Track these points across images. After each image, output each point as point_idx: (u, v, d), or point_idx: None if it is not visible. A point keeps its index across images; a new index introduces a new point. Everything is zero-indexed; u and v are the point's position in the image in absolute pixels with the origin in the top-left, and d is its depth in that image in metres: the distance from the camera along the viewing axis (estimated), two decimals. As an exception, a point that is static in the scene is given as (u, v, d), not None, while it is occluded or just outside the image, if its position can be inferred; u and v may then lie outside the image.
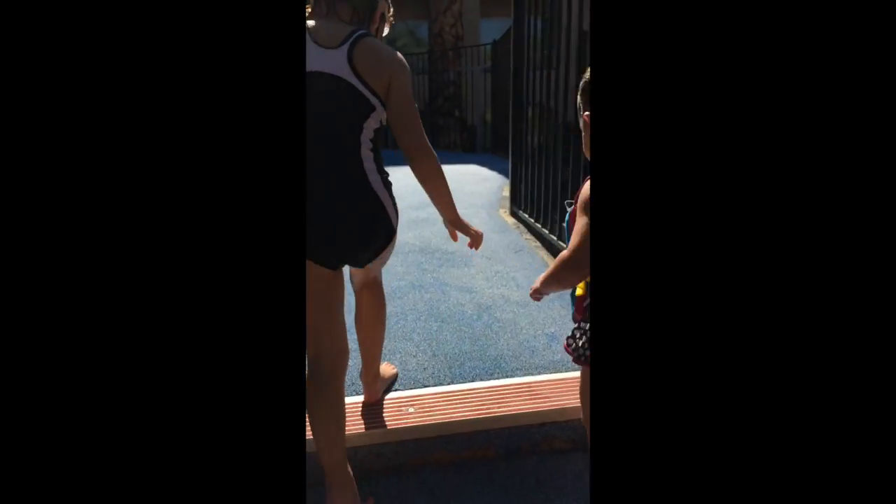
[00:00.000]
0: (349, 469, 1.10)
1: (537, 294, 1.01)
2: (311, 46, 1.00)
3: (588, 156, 0.98)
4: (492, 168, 6.54)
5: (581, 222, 0.92)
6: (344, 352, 1.11)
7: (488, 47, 8.34)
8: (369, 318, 1.30)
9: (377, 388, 1.40)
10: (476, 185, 5.58)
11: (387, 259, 1.18)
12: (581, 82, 1.00)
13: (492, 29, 9.38)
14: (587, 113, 0.97)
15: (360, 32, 1.04)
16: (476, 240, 1.22)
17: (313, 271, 1.03)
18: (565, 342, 1.06)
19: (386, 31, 1.16)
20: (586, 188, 0.94)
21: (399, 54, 1.07)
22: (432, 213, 3.57)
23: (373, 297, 1.29)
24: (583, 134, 1.01)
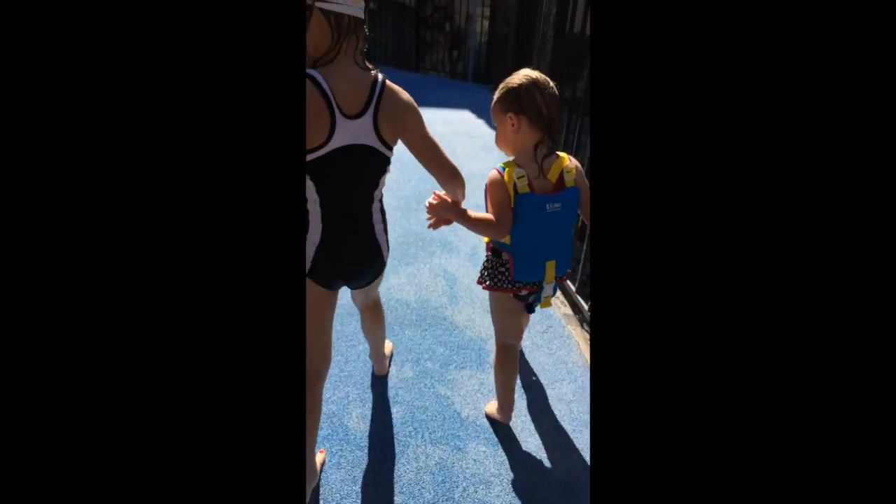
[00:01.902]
0: (314, 451, 1.31)
1: (448, 215, 1.24)
2: (339, 117, 1.01)
3: (501, 149, 1.32)
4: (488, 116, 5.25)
5: (491, 200, 1.25)
6: (326, 358, 1.29)
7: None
8: (373, 326, 1.60)
9: (384, 365, 1.77)
10: (466, 157, 4.15)
11: (379, 283, 1.39)
12: (498, 92, 1.28)
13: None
14: (511, 114, 1.25)
15: (378, 88, 1.05)
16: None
17: (316, 290, 1.18)
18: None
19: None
20: (492, 174, 1.25)
21: (408, 97, 1.11)
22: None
23: (375, 313, 1.57)
24: (497, 130, 1.31)
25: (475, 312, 2.26)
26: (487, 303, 1.99)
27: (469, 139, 4.72)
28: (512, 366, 1.54)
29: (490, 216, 1.24)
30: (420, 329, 2.13)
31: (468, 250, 2.81)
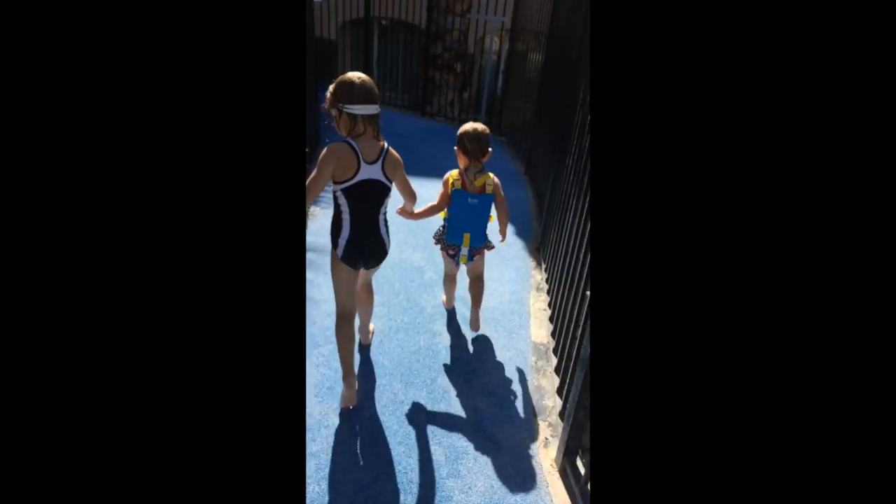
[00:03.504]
0: (355, 369, 2.04)
1: (407, 215, 2.18)
2: (363, 163, 1.74)
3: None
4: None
5: (441, 192, 2.21)
6: (354, 308, 1.99)
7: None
8: (365, 302, 2.21)
9: (368, 337, 2.36)
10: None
11: (377, 270, 2.10)
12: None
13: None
14: (456, 147, 2.22)
15: (386, 149, 1.80)
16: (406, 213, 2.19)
17: (345, 270, 1.89)
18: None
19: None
20: (449, 174, 2.21)
21: (398, 157, 1.85)
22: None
23: (367, 293, 2.20)
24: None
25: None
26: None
27: None
28: (449, 283, 2.58)
29: (431, 203, 2.21)
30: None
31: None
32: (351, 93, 1.66)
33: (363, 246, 1.84)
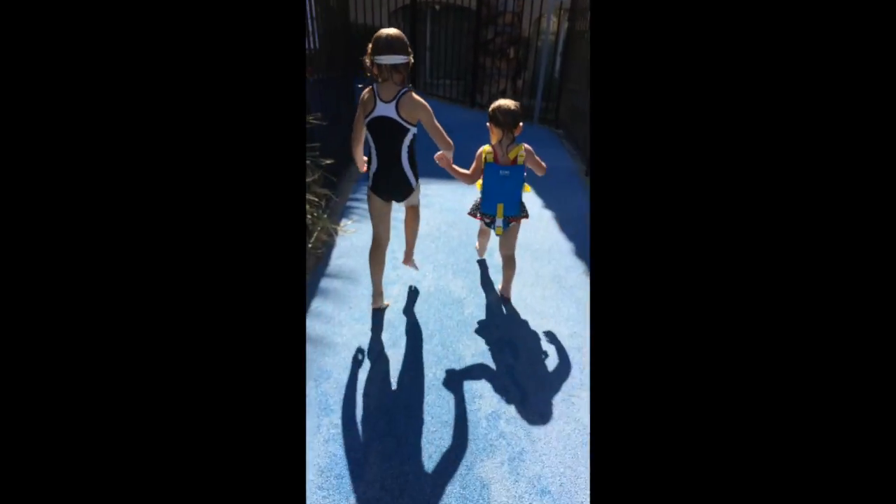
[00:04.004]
0: (382, 290, 2.45)
1: (444, 163, 2.22)
2: (378, 101, 2.02)
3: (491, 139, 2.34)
4: (559, 203, 4.07)
5: (474, 166, 2.34)
6: (387, 239, 2.33)
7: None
8: (410, 222, 2.54)
9: (411, 260, 2.68)
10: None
11: (415, 198, 2.33)
12: None
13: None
14: (489, 122, 2.37)
15: (402, 91, 2.01)
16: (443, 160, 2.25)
17: (377, 201, 2.22)
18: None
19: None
20: (483, 148, 2.33)
21: (420, 101, 2.03)
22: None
23: (413, 213, 2.51)
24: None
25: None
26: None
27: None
28: (483, 236, 2.91)
29: (467, 171, 2.36)
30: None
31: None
32: (377, 46, 1.97)
33: (387, 176, 2.15)
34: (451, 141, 2.14)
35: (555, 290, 2.65)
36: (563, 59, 6.48)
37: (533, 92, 7.26)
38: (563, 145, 5.44)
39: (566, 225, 3.46)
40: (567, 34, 6.03)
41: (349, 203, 3.69)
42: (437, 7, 8.47)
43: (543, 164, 2.34)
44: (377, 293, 2.41)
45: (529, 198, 3.75)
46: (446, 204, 3.74)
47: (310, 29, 3.28)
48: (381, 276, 2.38)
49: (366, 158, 2.20)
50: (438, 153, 2.19)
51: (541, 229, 3.39)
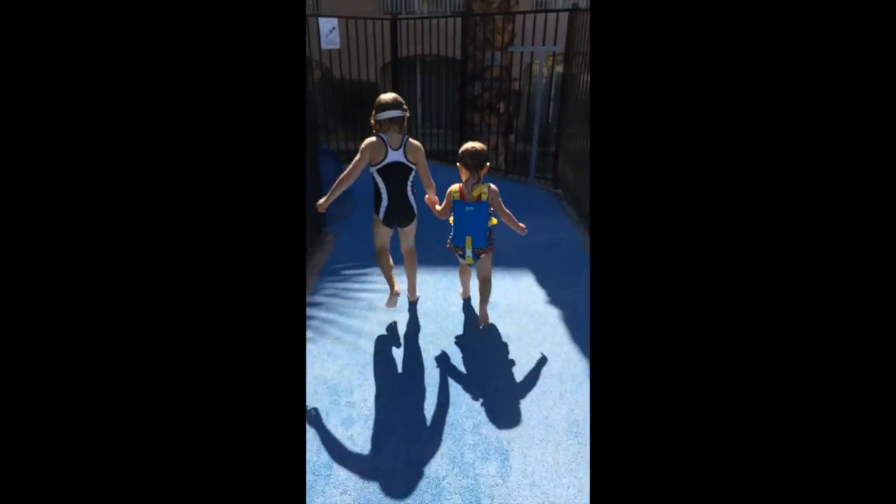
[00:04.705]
0: (396, 282, 3.08)
1: (432, 206, 2.89)
2: (389, 150, 2.66)
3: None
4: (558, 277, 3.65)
5: (444, 203, 2.86)
6: (388, 245, 3.05)
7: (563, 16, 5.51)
8: (409, 264, 3.19)
9: (415, 295, 3.34)
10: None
11: (414, 231, 3.01)
12: None
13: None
14: (458, 163, 2.81)
15: (406, 138, 2.70)
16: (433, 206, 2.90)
17: (384, 228, 2.92)
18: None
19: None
20: (452, 187, 2.81)
21: (418, 145, 2.76)
22: None
23: (411, 256, 3.15)
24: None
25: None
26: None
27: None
28: (464, 274, 3.34)
29: (438, 208, 2.88)
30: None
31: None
32: (379, 106, 2.66)
33: (399, 209, 2.81)
34: (433, 182, 2.86)
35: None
36: (557, 103, 6.42)
37: (528, 137, 7.14)
38: (564, 210, 5.36)
39: (574, 329, 3.05)
40: (561, 77, 5.99)
41: (321, 283, 3.39)
42: (428, 59, 8.50)
43: (517, 221, 2.80)
44: (390, 284, 3.02)
45: (527, 288, 3.66)
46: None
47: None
48: (390, 271, 3.03)
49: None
50: (426, 197, 2.88)
51: (540, 338, 3.14)
